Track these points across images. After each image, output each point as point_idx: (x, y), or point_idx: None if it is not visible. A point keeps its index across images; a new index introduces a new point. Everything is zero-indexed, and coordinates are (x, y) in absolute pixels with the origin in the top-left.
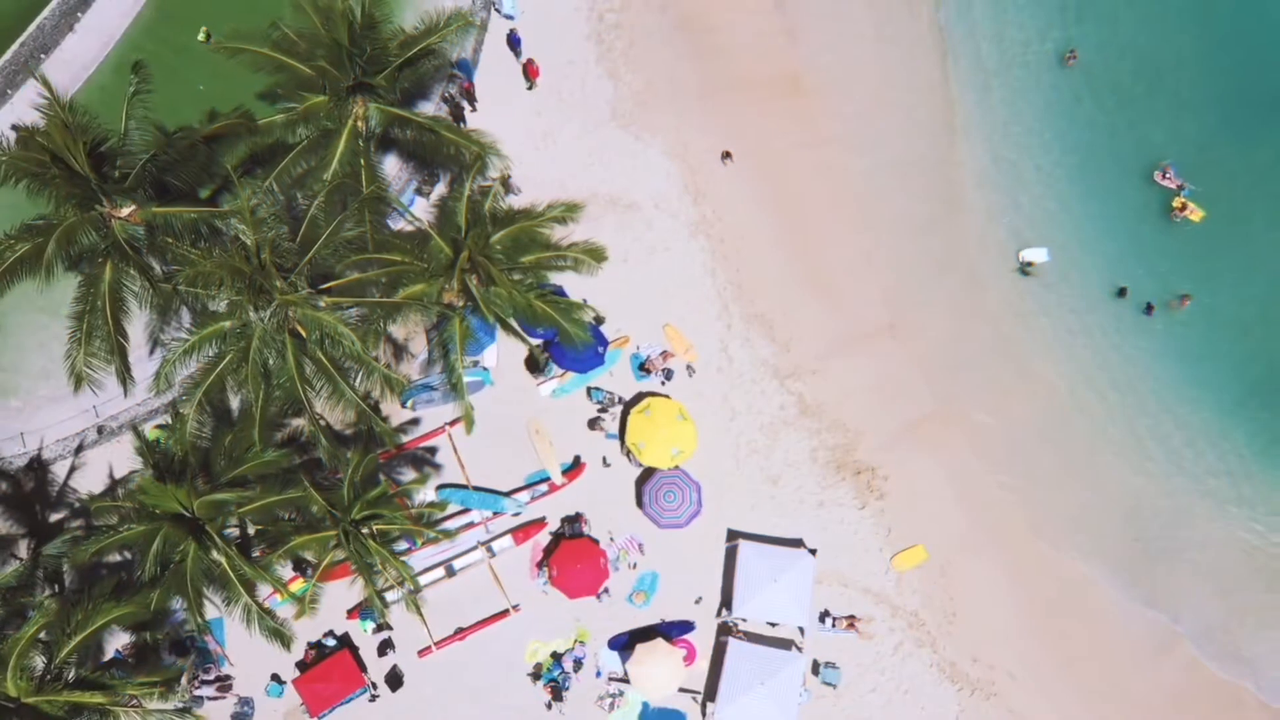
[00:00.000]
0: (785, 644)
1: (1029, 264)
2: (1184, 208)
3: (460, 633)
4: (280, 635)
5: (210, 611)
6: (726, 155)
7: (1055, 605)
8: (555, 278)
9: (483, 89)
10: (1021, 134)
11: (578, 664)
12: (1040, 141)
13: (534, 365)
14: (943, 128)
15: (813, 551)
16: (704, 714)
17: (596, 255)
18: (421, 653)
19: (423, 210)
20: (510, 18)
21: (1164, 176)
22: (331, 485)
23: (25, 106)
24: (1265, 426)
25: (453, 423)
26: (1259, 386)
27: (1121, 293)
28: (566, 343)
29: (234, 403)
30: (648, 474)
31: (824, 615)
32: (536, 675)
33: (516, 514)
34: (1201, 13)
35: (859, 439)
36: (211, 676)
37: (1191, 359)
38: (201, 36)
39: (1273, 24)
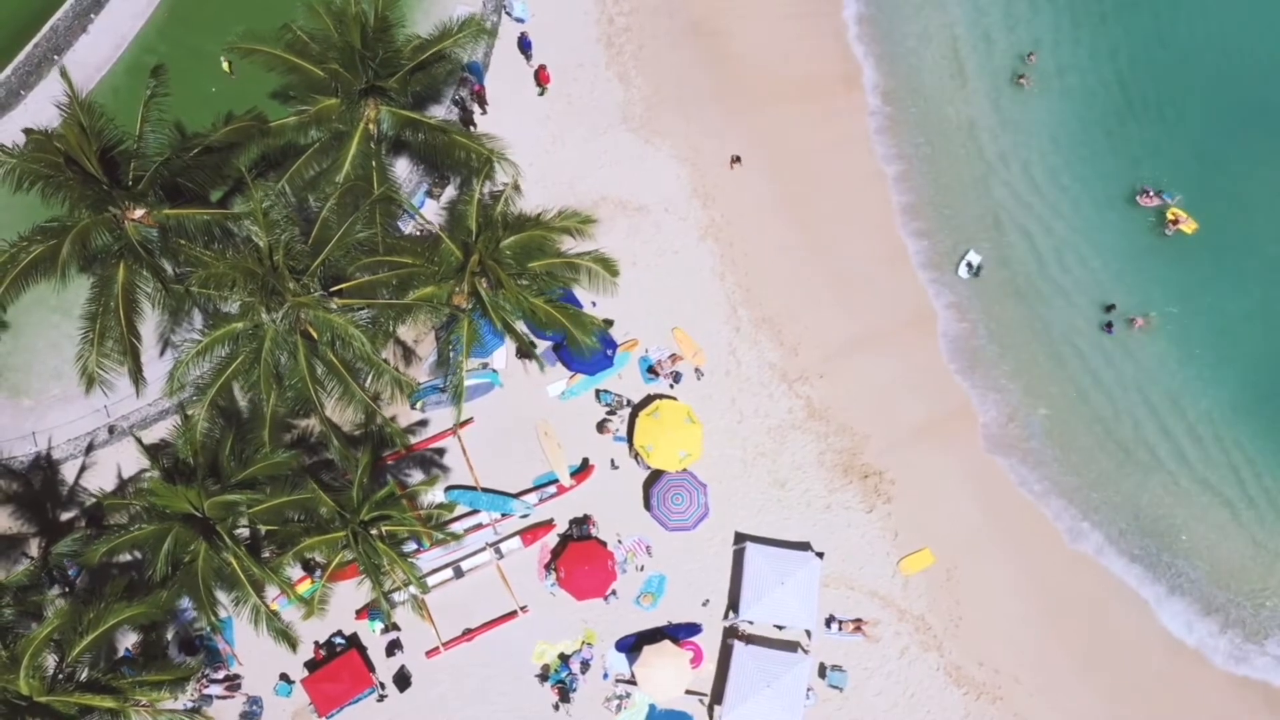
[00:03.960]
0: (792, 647)
1: (972, 265)
2: (1177, 220)
3: (468, 634)
4: (286, 636)
5: (219, 611)
6: (736, 159)
7: (1061, 609)
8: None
9: (493, 92)
10: (1015, 151)
11: (585, 665)
12: (1033, 158)
13: (525, 354)
14: (950, 139)
15: (820, 554)
16: (710, 716)
17: (609, 267)
18: (429, 653)
19: (433, 212)
20: (521, 21)
21: (1146, 197)
22: (341, 487)
23: (39, 107)
24: (1269, 426)
25: (462, 424)
26: (1263, 387)
27: (1109, 309)
28: (574, 349)
29: (242, 404)
30: (655, 476)
31: (830, 618)
32: (544, 676)
33: (525, 516)
34: (1181, 25)
35: (866, 442)
36: (220, 676)
37: (1193, 363)
38: (226, 67)
39: (1251, 32)
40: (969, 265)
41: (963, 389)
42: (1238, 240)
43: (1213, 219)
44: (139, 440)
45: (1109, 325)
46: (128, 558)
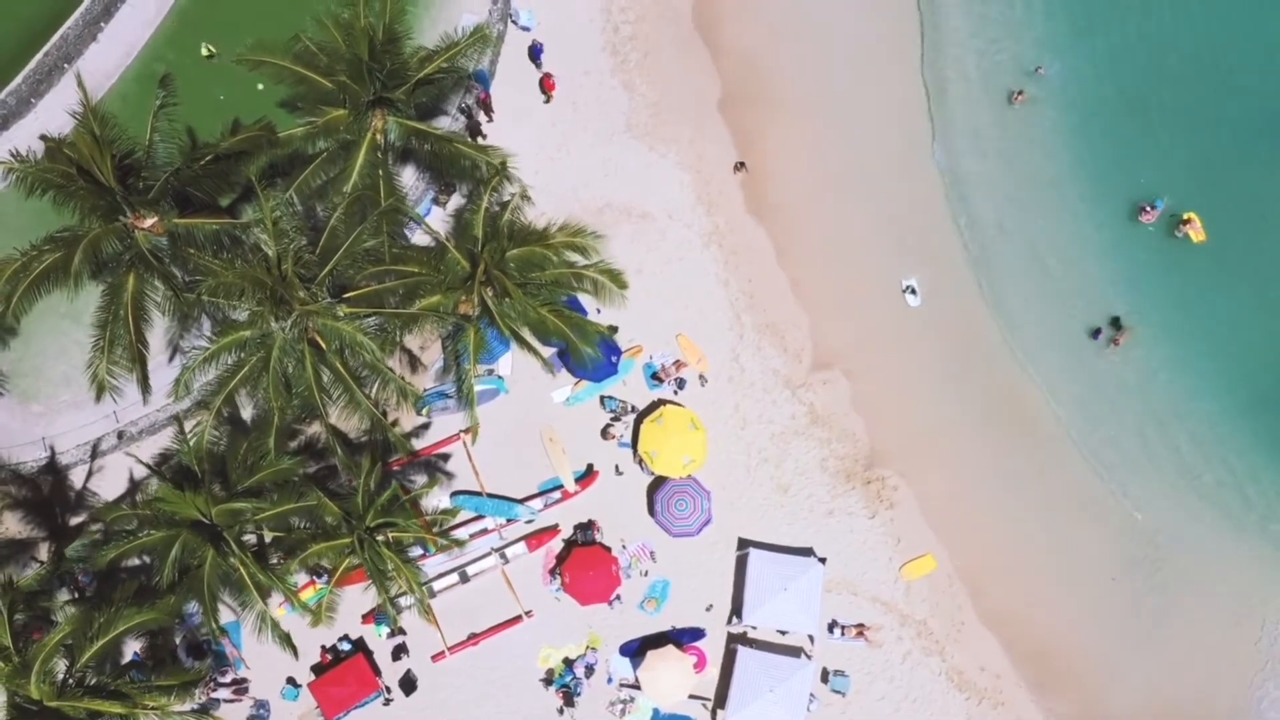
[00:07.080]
0: (795, 652)
1: (910, 286)
2: (1189, 221)
3: (473, 638)
4: (289, 643)
5: (226, 615)
6: (740, 166)
7: (1064, 610)
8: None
9: (499, 99)
10: (1018, 164)
11: (589, 670)
12: (1037, 169)
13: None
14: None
15: (822, 560)
16: None
17: (617, 280)
18: (435, 657)
19: (440, 220)
20: (527, 29)
21: (1145, 214)
22: (346, 493)
23: (50, 115)
24: (1267, 435)
25: (467, 430)
26: (1262, 398)
27: (1115, 323)
28: (576, 359)
29: (245, 412)
30: (659, 482)
31: (833, 623)
32: (548, 681)
33: (530, 521)
34: (1185, 33)
35: (869, 448)
36: (228, 679)
37: (1189, 376)
38: (205, 53)
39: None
40: (912, 290)
41: (966, 396)
42: (1246, 250)
43: (1222, 229)
44: (138, 458)
45: (1097, 332)
46: (136, 562)
